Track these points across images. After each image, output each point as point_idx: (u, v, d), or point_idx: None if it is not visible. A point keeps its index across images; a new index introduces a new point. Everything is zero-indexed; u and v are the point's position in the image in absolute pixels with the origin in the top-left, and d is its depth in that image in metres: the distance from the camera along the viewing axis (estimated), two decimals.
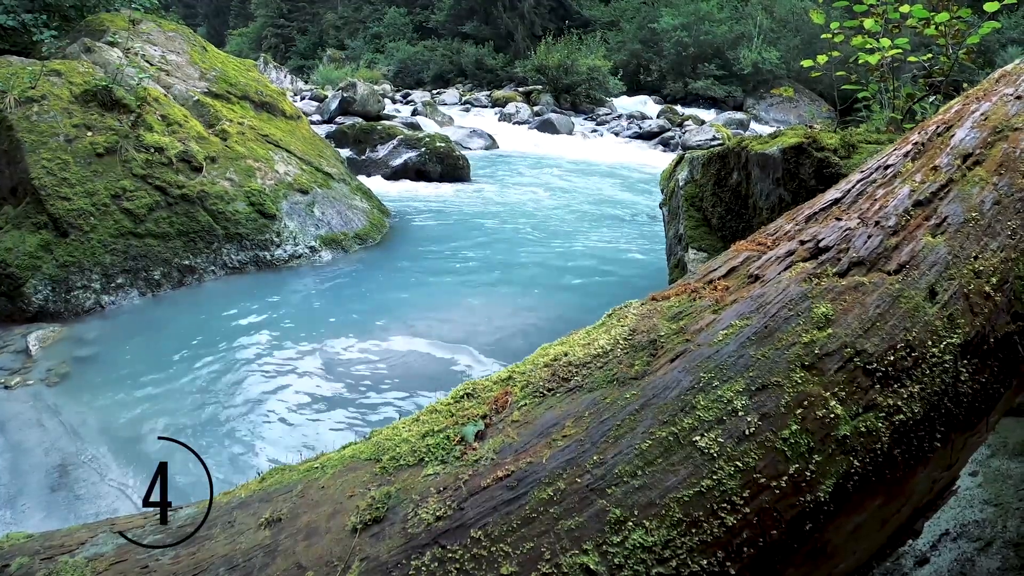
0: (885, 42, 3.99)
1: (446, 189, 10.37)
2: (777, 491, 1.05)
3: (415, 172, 10.79)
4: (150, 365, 4.37)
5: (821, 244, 1.32)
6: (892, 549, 1.30)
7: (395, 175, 10.77)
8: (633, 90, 26.38)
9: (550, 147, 16.21)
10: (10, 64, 5.83)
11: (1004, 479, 2.11)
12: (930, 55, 4.17)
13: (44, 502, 3.10)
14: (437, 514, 1.05)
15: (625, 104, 24.01)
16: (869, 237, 1.31)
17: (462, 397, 1.27)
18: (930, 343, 1.19)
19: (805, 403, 1.10)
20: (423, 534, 1.03)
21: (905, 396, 1.15)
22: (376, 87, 19.43)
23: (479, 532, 1.02)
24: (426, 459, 1.15)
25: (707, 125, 18.08)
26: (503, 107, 21.58)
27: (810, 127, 3.81)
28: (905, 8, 3.92)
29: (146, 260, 5.49)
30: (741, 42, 25.43)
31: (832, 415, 1.10)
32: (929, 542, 2.04)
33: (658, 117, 20.36)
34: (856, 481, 1.10)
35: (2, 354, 4.45)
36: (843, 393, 1.12)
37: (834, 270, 1.27)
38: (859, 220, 1.36)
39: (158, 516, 1.25)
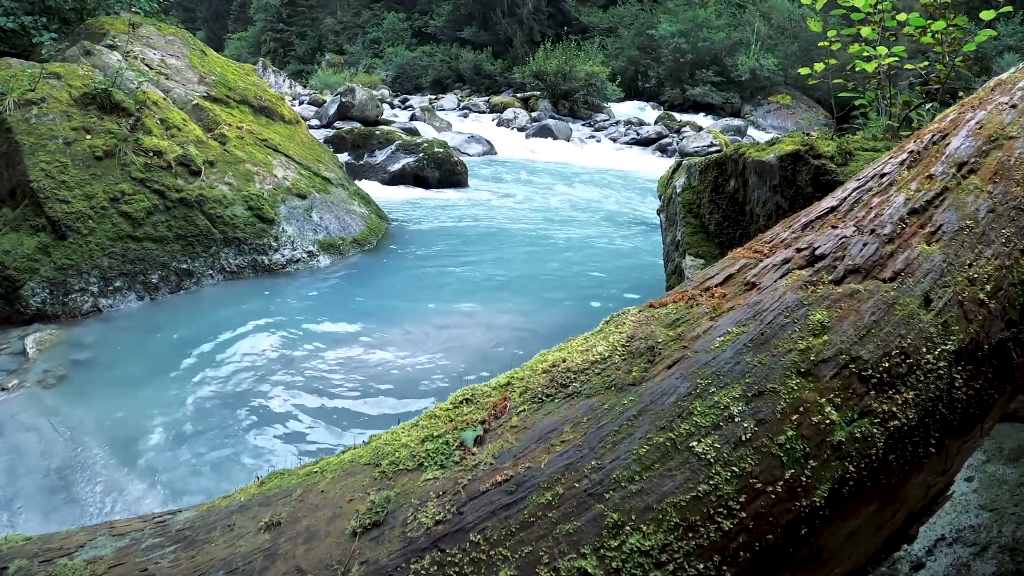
0: (882, 50, 4.02)
1: (444, 194, 10.39)
2: (773, 496, 1.06)
3: (413, 177, 10.80)
4: (148, 368, 4.37)
5: (817, 252, 1.33)
6: (887, 554, 1.31)
7: (393, 180, 10.78)
8: (631, 96, 26.44)
9: (548, 153, 16.24)
10: (9, 66, 5.83)
11: (999, 484, 2.12)
12: (927, 63, 4.20)
13: (42, 504, 3.10)
14: (436, 518, 1.05)
15: (623, 110, 24.05)
16: (865, 245, 1.32)
17: (461, 402, 1.28)
18: (925, 350, 1.20)
19: (801, 409, 1.11)
20: (422, 538, 1.04)
21: (900, 402, 1.16)
22: (374, 92, 19.46)
23: (478, 536, 1.03)
24: (425, 463, 1.15)
25: (705, 131, 18.12)
26: (501, 113, 21.60)
27: (807, 134, 3.83)
28: (902, 16, 3.94)
29: (144, 263, 5.49)
30: (739, 49, 25.50)
31: (828, 421, 1.11)
32: (925, 547, 2.05)
33: (656, 123, 20.39)
34: (851, 486, 1.11)
35: None
36: (839, 399, 1.13)
37: (830, 277, 1.28)
38: (855, 228, 1.37)
39: (157, 519, 1.26)
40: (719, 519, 1.03)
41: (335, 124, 15.16)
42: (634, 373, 1.19)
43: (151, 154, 5.83)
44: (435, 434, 1.21)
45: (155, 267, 5.55)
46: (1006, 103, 1.64)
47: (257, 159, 6.80)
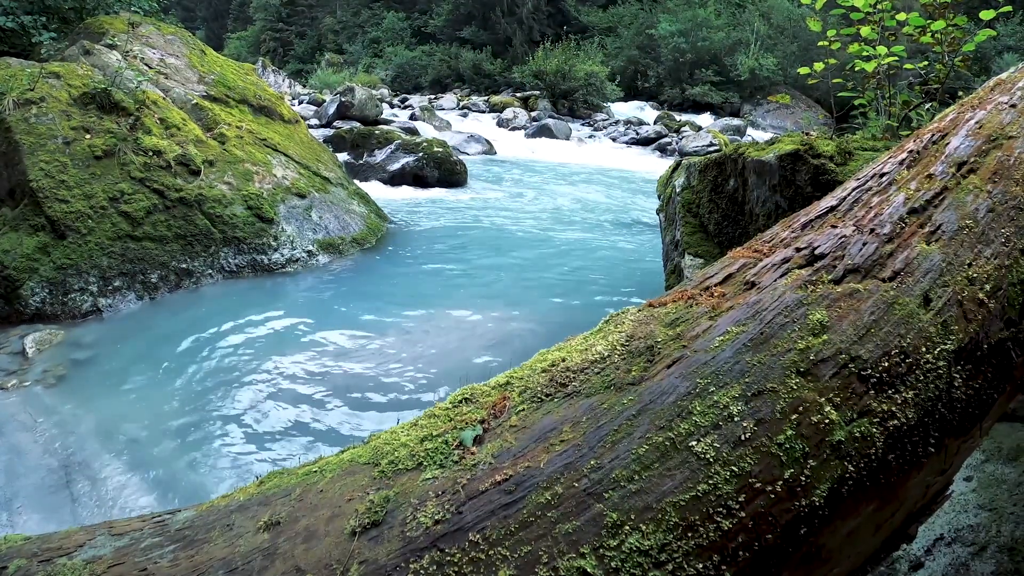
0: (881, 49, 4.02)
1: (443, 194, 10.39)
2: (772, 496, 1.06)
3: (412, 177, 10.79)
4: (147, 368, 4.37)
5: (817, 251, 1.33)
6: (887, 554, 1.31)
7: (392, 180, 10.77)
8: (630, 96, 26.47)
9: (547, 152, 16.23)
10: (9, 66, 5.82)
11: (998, 484, 2.12)
12: (926, 62, 4.20)
13: (41, 504, 3.09)
14: (435, 518, 1.05)
15: (622, 110, 24.07)
16: (864, 244, 1.32)
17: (460, 402, 1.28)
18: (924, 349, 1.20)
19: (800, 409, 1.11)
20: (421, 537, 1.04)
21: (899, 402, 1.16)
22: (374, 91, 19.43)
23: (477, 536, 1.03)
24: (424, 463, 1.15)
25: (704, 131, 18.13)
26: (501, 112, 21.60)
27: (807, 134, 3.83)
28: (901, 16, 3.95)
29: (143, 263, 5.48)
30: (738, 48, 25.53)
31: (827, 420, 1.11)
32: (924, 547, 2.05)
33: (655, 123, 20.40)
34: (851, 486, 1.11)
35: None
36: (838, 399, 1.13)
37: (829, 277, 1.28)
38: (854, 227, 1.37)
39: (156, 519, 1.26)
40: (718, 519, 1.03)
41: (334, 124, 15.15)
42: (633, 372, 1.19)
43: (150, 154, 5.82)
44: (434, 434, 1.21)
45: (154, 267, 5.54)
46: (1005, 103, 1.64)
47: (256, 159, 6.80)
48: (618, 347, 1.25)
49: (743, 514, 1.04)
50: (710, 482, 1.05)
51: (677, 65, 26.20)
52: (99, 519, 2.81)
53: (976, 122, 1.59)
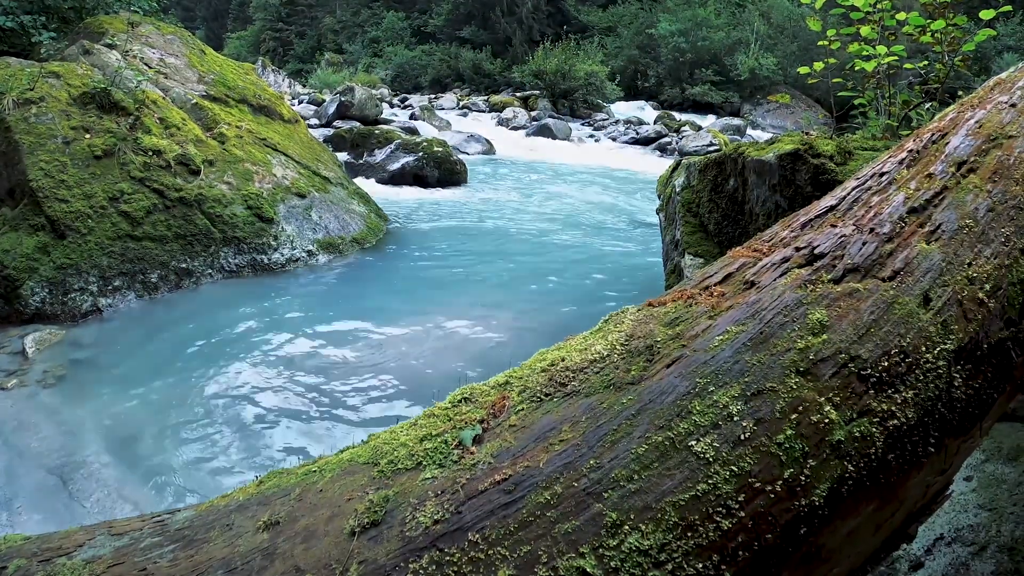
0: (881, 49, 4.02)
1: (443, 194, 10.38)
2: (772, 495, 1.06)
3: (412, 177, 10.79)
4: (147, 368, 4.37)
5: (816, 251, 1.33)
6: (887, 553, 1.31)
7: (392, 179, 10.77)
8: (630, 95, 26.48)
9: (547, 152, 16.22)
10: (8, 65, 5.82)
11: (998, 483, 2.12)
12: (926, 62, 4.20)
13: (41, 504, 3.09)
14: (435, 517, 1.05)
15: (622, 109, 24.08)
16: (864, 244, 1.32)
17: (460, 401, 1.28)
18: (924, 349, 1.20)
19: (800, 408, 1.11)
20: (421, 537, 1.04)
21: (899, 401, 1.16)
22: (374, 91, 19.42)
23: (477, 535, 1.03)
24: (424, 463, 1.15)
25: (704, 131, 18.12)
26: (500, 112, 21.61)
27: (806, 133, 3.83)
28: (901, 15, 3.94)
29: (143, 263, 5.48)
30: (738, 48, 25.54)
31: (827, 420, 1.11)
32: (924, 546, 2.05)
33: (655, 123, 20.41)
34: (850, 486, 1.10)
35: None
36: (838, 398, 1.13)
37: (829, 276, 1.27)
38: (854, 227, 1.37)
39: (156, 519, 1.26)
40: (718, 518, 1.03)
41: (334, 123, 15.16)
42: (633, 372, 1.19)
43: (150, 153, 5.82)
44: (434, 433, 1.20)
45: (154, 266, 5.54)
46: (1005, 102, 1.64)
47: (256, 158, 6.80)
48: (617, 347, 1.25)
49: (743, 514, 1.04)
50: (709, 482, 1.05)
51: (677, 65, 26.21)
52: (99, 519, 2.81)
53: (976, 121, 1.59)
